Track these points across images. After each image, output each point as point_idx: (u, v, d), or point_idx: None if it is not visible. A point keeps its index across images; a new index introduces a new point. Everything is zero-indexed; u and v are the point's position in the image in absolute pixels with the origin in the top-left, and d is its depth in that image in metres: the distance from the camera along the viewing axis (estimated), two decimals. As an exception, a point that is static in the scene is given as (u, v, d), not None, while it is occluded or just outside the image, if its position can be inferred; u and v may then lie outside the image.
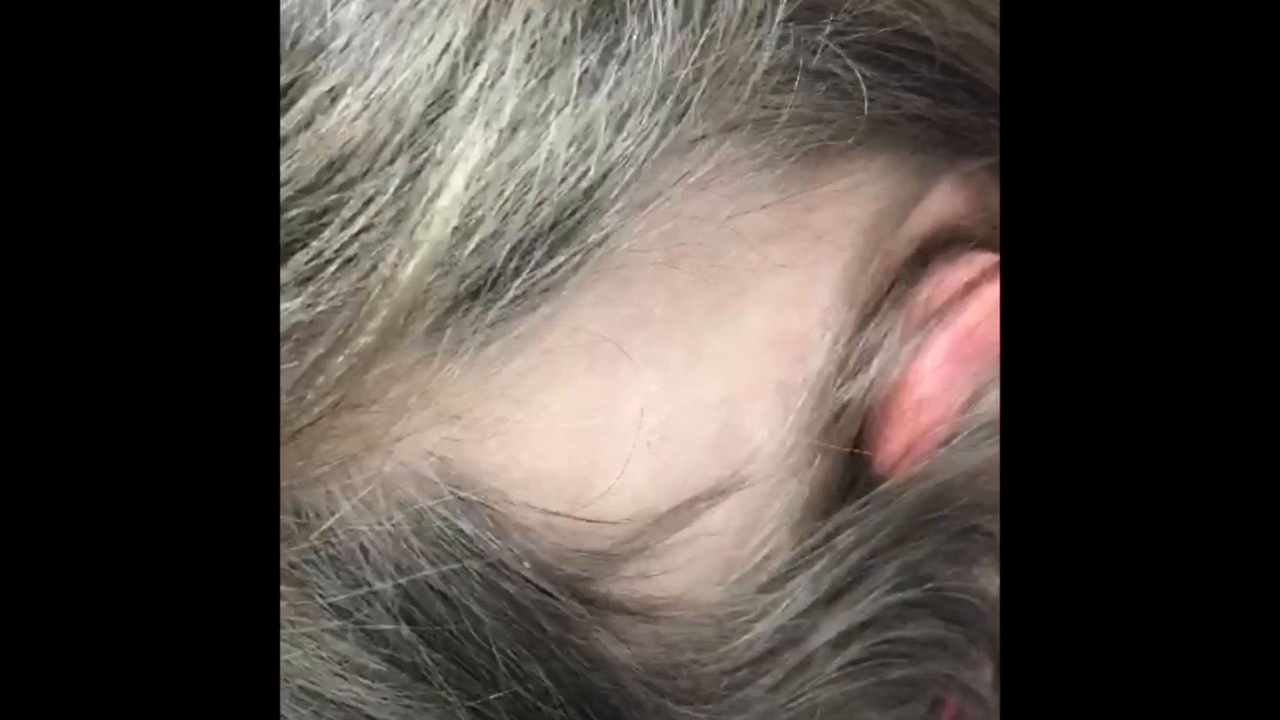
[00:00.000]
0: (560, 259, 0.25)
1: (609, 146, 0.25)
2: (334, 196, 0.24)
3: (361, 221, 0.24)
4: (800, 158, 0.27)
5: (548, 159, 0.24)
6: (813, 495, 0.28)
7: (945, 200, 0.29)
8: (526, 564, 0.26)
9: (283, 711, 0.25)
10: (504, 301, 0.24)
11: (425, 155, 0.24)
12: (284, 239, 0.23)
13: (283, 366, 0.24)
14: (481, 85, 0.24)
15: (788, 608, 0.28)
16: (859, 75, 0.27)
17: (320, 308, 0.24)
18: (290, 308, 0.24)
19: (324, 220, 0.24)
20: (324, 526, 0.25)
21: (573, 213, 0.25)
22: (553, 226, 0.25)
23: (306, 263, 0.24)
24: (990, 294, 0.28)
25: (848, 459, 0.28)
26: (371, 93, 0.24)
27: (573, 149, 0.25)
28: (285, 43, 0.24)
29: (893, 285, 0.29)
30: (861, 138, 0.28)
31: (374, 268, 0.24)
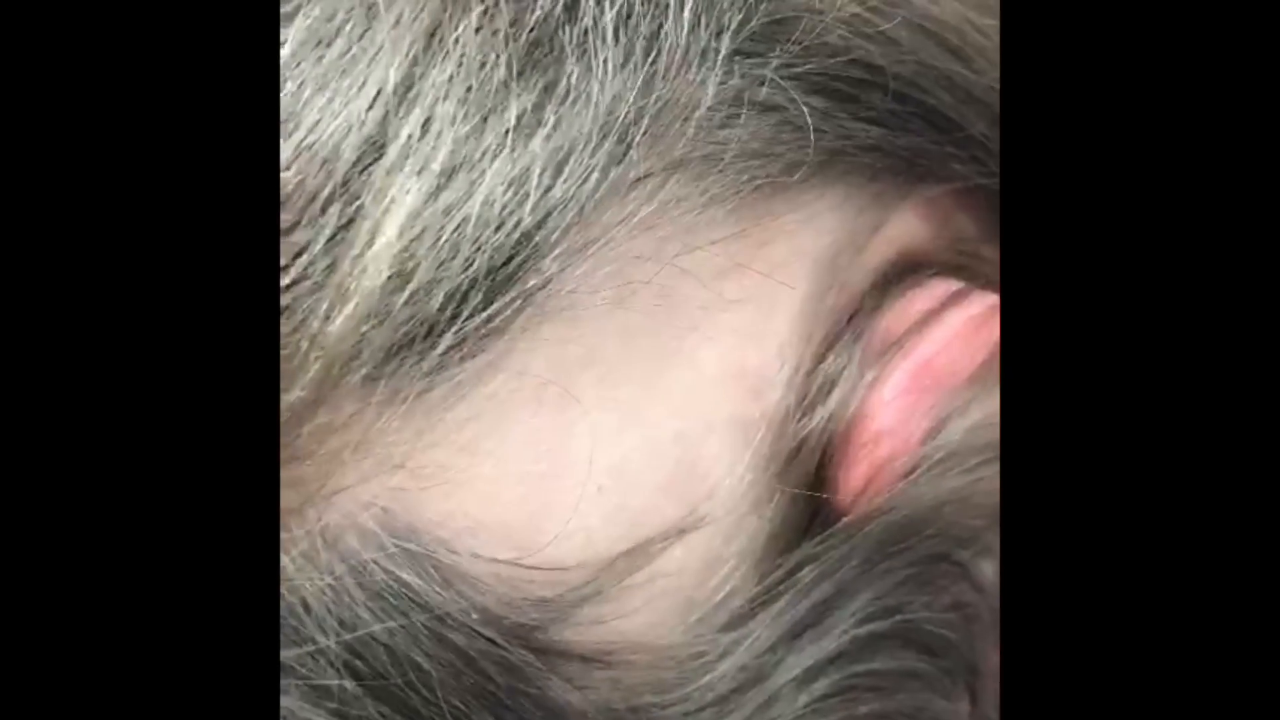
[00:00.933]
0: (499, 304, 0.24)
1: (548, 190, 0.24)
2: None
3: (293, 273, 0.23)
4: (750, 192, 0.26)
5: (484, 204, 0.24)
6: (774, 531, 0.28)
7: (904, 228, 0.29)
8: (474, 614, 0.25)
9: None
10: (440, 350, 0.24)
11: (357, 204, 0.24)
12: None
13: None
14: (411, 134, 0.24)
15: (750, 646, 0.28)
16: (807, 108, 0.26)
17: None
18: None
19: None
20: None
21: (510, 258, 0.24)
22: (489, 273, 0.24)
23: None
24: (951, 321, 0.28)
25: (808, 494, 0.28)
26: (301, 142, 0.23)
27: (510, 193, 0.24)
28: None
29: (852, 316, 0.28)
30: (814, 170, 0.27)
31: (304, 320, 0.23)
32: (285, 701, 0.25)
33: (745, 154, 0.26)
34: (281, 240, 0.23)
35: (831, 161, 0.27)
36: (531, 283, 0.24)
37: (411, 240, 0.24)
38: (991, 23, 0.29)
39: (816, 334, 0.28)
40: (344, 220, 0.23)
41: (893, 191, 0.28)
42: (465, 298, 0.24)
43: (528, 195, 0.24)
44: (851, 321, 0.28)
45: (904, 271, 0.29)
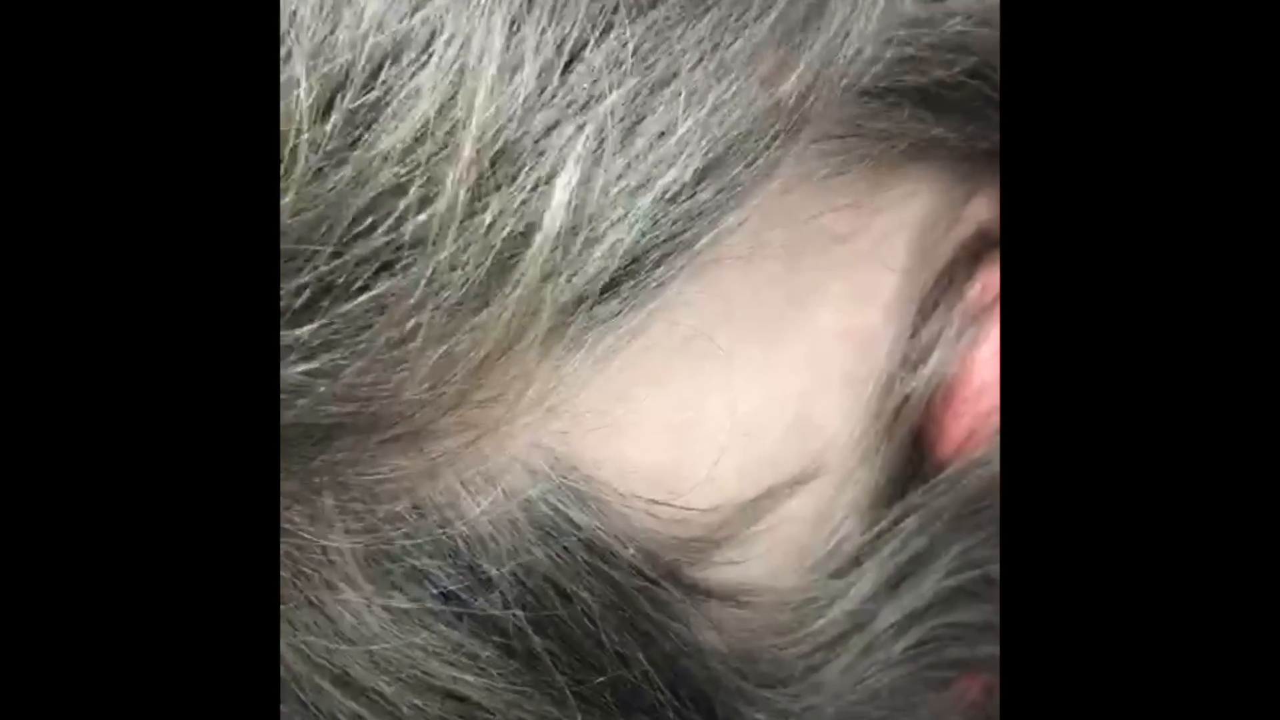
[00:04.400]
0: (669, 264, 0.26)
1: (725, 162, 0.26)
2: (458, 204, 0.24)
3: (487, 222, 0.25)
4: (867, 167, 0.29)
5: (657, 166, 0.25)
6: (880, 483, 0.30)
7: (984, 208, 0.31)
8: (631, 550, 0.26)
9: (397, 702, 0.26)
10: (618, 302, 0.25)
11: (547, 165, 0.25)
12: (411, 240, 0.24)
13: (402, 368, 0.25)
14: (590, 98, 0.25)
15: (856, 593, 0.29)
16: (916, 95, 0.28)
17: (447, 303, 0.24)
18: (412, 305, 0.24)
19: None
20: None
21: (679, 222, 0.26)
22: (667, 235, 0.25)
23: (431, 269, 0.24)
24: None
25: (912, 446, 0.30)
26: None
27: (684, 157, 0.25)
28: (386, 62, 0.24)
29: (948, 282, 0.30)
30: (919, 151, 0.29)
31: (502, 269, 0.24)
32: (453, 636, 0.26)
33: (869, 133, 0.28)
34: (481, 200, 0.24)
35: (932, 144, 0.29)
36: (701, 243, 0.26)
37: (596, 203, 0.25)
38: None
39: (916, 298, 0.30)
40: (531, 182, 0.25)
41: (976, 174, 0.31)
42: (644, 255, 0.25)
43: (701, 161, 0.25)
44: (947, 287, 0.30)
45: (985, 247, 0.31)
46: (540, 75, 0.25)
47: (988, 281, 0.31)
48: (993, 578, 0.31)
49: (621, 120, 0.25)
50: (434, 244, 0.24)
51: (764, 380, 0.28)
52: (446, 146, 0.24)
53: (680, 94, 0.25)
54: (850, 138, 0.28)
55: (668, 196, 0.25)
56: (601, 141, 0.25)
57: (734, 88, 0.26)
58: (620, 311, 0.26)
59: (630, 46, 0.25)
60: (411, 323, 0.24)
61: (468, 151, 0.24)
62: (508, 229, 0.24)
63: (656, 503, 0.27)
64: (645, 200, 0.25)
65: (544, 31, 0.25)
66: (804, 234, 0.28)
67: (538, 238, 0.25)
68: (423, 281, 0.24)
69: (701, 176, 0.26)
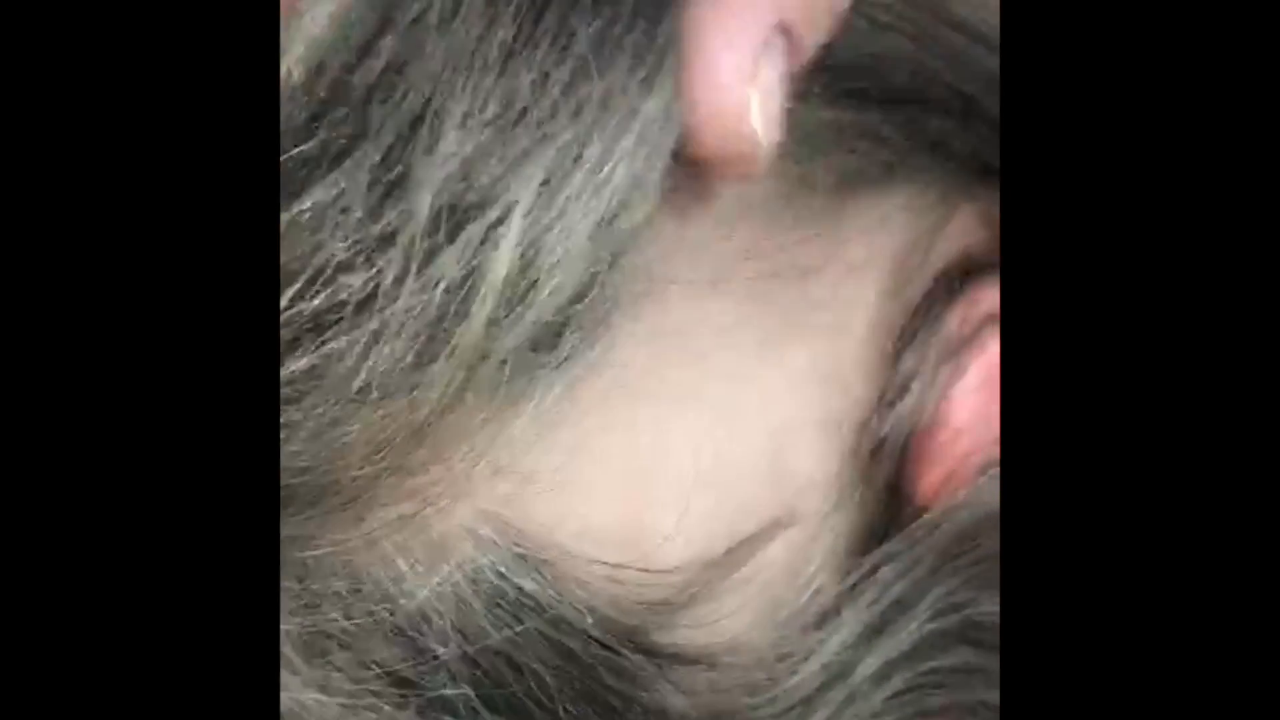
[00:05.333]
0: (607, 304, 0.24)
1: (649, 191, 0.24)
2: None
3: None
4: (832, 193, 0.27)
5: (589, 203, 0.24)
6: (856, 529, 0.28)
7: (966, 228, 0.29)
8: (590, 619, 0.25)
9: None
10: (564, 348, 0.24)
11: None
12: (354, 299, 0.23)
13: (343, 430, 0.23)
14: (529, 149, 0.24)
15: (834, 645, 0.28)
16: (877, 114, 0.27)
17: (381, 369, 0.23)
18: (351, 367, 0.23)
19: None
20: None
21: (615, 255, 0.24)
22: (596, 272, 0.24)
23: (370, 327, 0.23)
24: None
25: (889, 490, 0.28)
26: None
27: (609, 194, 0.24)
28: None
29: (925, 314, 0.28)
30: (885, 172, 0.28)
31: (438, 327, 0.23)
32: (401, 717, 0.25)
33: (827, 157, 0.27)
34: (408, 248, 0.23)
35: (901, 164, 0.28)
36: (633, 279, 0.24)
37: (528, 249, 0.24)
38: None
39: (893, 332, 0.28)
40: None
41: (954, 193, 0.29)
42: (577, 300, 0.24)
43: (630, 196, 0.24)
44: (924, 319, 0.28)
45: (967, 270, 0.29)
46: (484, 131, 0.23)
47: (967, 313, 0.29)
48: (974, 620, 0.29)
49: (564, 169, 0.24)
50: (379, 304, 0.23)
51: (732, 424, 0.27)
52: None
53: (620, 137, 0.24)
54: (816, 158, 0.27)
55: (610, 231, 0.24)
56: (544, 192, 0.24)
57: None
58: (566, 357, 0.24)
59: (573, 101, 0.23)
60: (354, 385, 0.23)
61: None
62: (448, 286, 0.23)
63: (617, 566, 0.25)
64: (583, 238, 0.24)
65: (488, 94, 0.23)
66: (771, 267, 0.26)
67: (479, 295, 0.23)
68: (363, 342, 0.23)
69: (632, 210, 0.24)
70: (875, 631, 0.28)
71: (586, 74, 0.24)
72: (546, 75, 0.24)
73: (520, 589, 0.24)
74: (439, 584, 0.24)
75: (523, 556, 0.25)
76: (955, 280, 0.29)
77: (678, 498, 0.26)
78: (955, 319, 0.29)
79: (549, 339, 0.24)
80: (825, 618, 0.28)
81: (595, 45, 0.24)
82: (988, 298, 0.29)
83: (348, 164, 0.23)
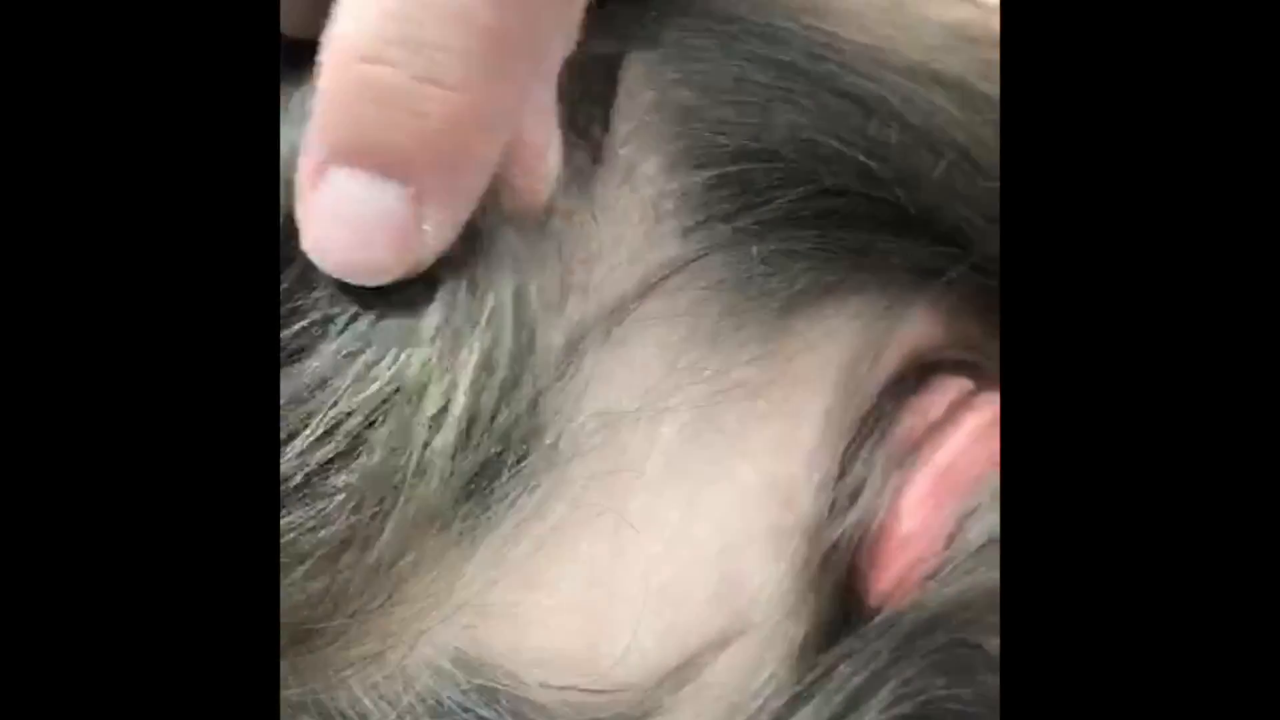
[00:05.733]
0: (553, 436, 0.25)
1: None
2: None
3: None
4: (779, 312, 0.28)
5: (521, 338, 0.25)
6: (809, 633, 0.29)
7: (914, 331, 0.30)
8: None
9: None
10: (510, 492, 0.25)
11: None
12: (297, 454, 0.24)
13: (296, 578, 0.24)
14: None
15: None
16: (815, 234, 0.28)
17: (330, 524, 0.24)
18: (295, 520, 0.24)
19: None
20: None
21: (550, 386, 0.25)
22: (534, 405, 0.25)
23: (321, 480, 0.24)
24: (965, 426, 0.29)
25: (841, 595, 0.29)
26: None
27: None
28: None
29: (875, 421, 0.29)
30: (831, 286, 0.28)
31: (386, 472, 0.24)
32: None
33: (770, 273, 0.28)
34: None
35: (846, 277, 0.29)
36: (574, 412, 0.25)
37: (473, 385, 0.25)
38: (985, 119, 0.30)
39: (841, 442, 0.29)
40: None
41: (902, 299, 0.30)
42: (516, 432, 0.25)
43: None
44: (873, 428, 0.29)
45: (918, 373, 0.30)
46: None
47: (920, 412, 0.30)
48: (933, 701, 0.30)
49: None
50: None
51: (682, 544, 0.28)
52: None
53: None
54: (761, 284, 0.27)
55: (556, 367, 0.25)
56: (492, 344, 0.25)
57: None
58: (517, 497, 0.25)
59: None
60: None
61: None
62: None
63: (565, 689, 0.26)
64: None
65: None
66: (716, 390, 0.27)
67: (428, 454, 0.24)
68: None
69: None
70: None
71: None
72: None
73: (480, 718, 0.26)
74: (402, 718, 0.25)
75: (481, 687, 0.26)
76: (906, 387, 0.30)
77: (629, 620, 0.27)
78: (904, 425, 0.29)
79: (501, 480, 0.25)
80: (783, 717, 0.29)
81: None
82: (936, 402, 0.30)
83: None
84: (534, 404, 0.25)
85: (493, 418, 0.25)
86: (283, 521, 0.24)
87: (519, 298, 0.25)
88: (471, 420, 0.25)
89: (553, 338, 0.25)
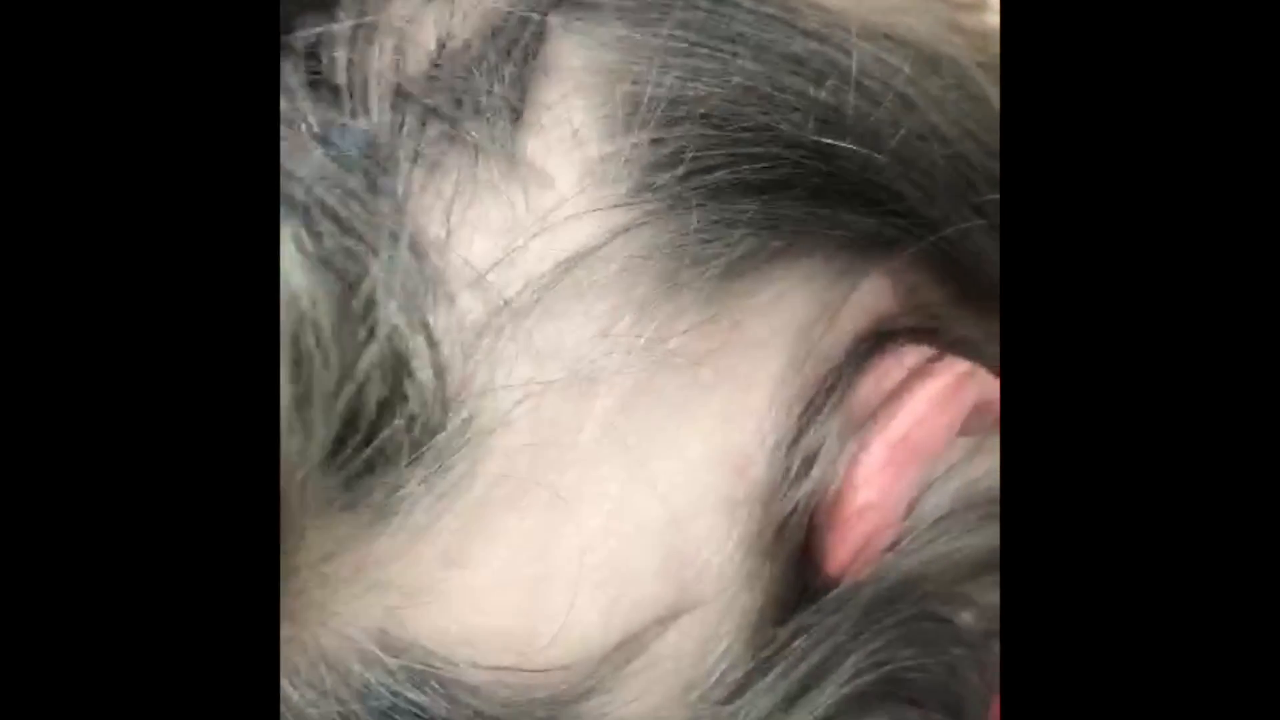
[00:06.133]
0: (465, 411, 0.25)
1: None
2: None
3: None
4: (719, 278, 0.27)
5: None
6: (765, 605, 0.28)
7: (873, 296, 0.29)
8: None
9: None
10: (414, 461, 0.24)
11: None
12: None
13: None
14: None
15: (749, 716, 0.28)
16: (764, 199, 0.27)
17: None
18: None
19: None
20: None
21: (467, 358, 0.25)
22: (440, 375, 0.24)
23: None
24: (924, 393, 0.28)
25: (797, 565, 0.28)
26: None
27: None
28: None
29: (831, 387, 0.28)
30: (780, 249, 0.27)
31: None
32: None
33: (709, 239, 0.27)
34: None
35: (797, 240, 0.28)
36: (497, 385, 0.25)
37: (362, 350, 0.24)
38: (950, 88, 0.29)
39: (795, 408, 0.28)
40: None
41: (859, 262, 0.29)
42: (425, 406, 0.24)
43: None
44: (829, 393, 0.28)
45: (876, 339, 0.29)
46: None
47: (878, 379, 0.29)
48: (896, 676, 0.30)
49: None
50: None
51: (625, 516, 0.27)
52: None
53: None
54: (699, 250, 0.27)
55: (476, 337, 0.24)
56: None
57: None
58: (436, 469, 0.25)
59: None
60: None
61: None
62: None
63: (497, 669, 0.26)
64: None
65: None
66: (653, 359, 0.27)
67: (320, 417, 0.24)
68: None
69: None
70: (791, 700, 0.29)
71: None
72: None
73: (412, 702, 0.25)
74: (328, 704, 0.25)
75: (408, 669, 0.25)
76: (863, 352, 0.29)
77: (563, 599, 0.26)
78: (862, 391, 0.29)
79: (409, 458, 0.24)
80: (739, 691, 0.28)
81: None
82: (895, 368, 0.29)
83: None
84: (440, 375, 0.24)
85: (393, 393, 0.24)
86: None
87: (427, 261, 0.24)
88: (363, 396, 0.24)
89: (472, 306, 0.25)
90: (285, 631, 0.24)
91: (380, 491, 0.24)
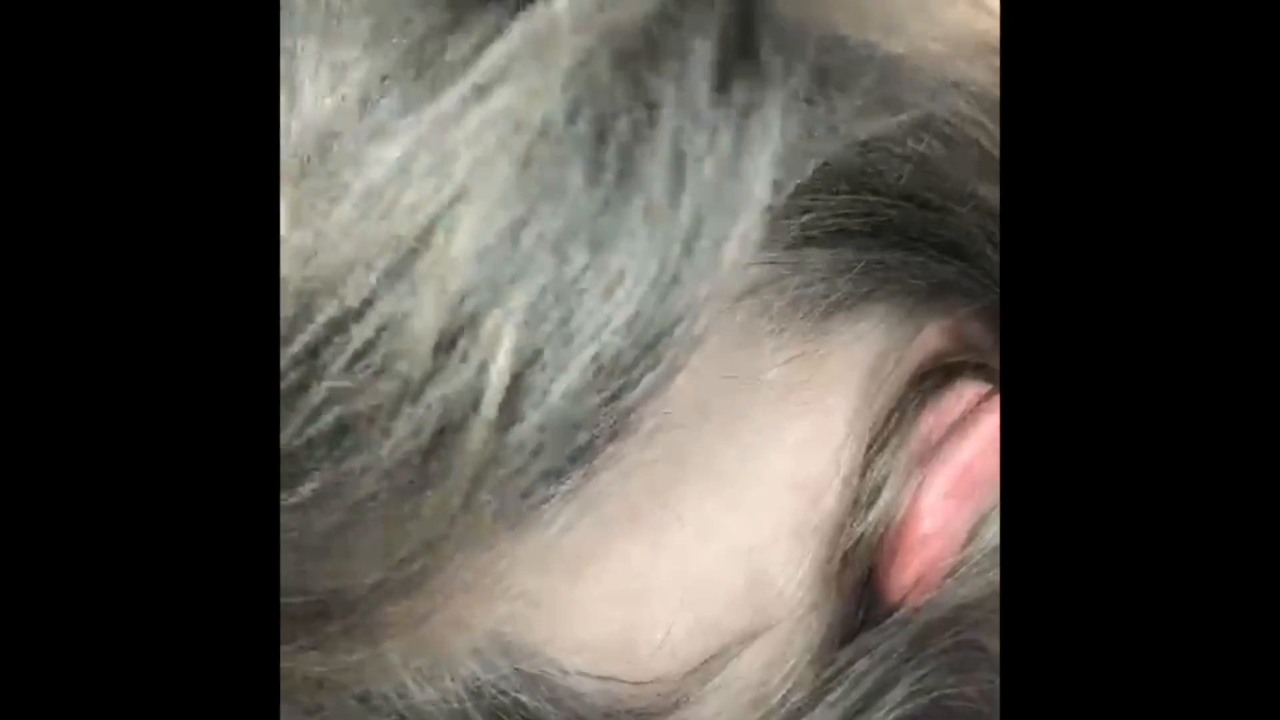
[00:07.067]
0: (613, 436, 0.25)
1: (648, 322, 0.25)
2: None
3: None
4: (819, 317, 0.28)
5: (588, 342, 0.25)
6: (830, 628, 0.30)
7: (935, 339, 0.31)
8: None
9: None
10: (576, 477, 0.25)
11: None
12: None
13: (351, 555, 0.24)
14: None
15: None
16: (853, 246, 0.28)
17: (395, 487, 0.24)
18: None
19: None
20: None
21: (619, 389, 0.25)
22: (603, 404, 0.25)
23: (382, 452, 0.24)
24: (983, 428, 0.30)
25: (861, 591, 0.30)
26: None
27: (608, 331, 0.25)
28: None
29: (897, 421, 0.30)
30: (863, 294, 0.29)
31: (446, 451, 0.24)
32: None
33: (806, 284, 0.28)
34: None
35: (877, 286, 0.29)
36: (648, 409, 0.25)
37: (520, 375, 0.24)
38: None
39: (865, 439, 0.30)
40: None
41: (926, 309, 0.30)
42: (588, 429, 0.25)
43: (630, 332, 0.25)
44: (895, 427, 0.30)
45: (937, 375, 0.31)
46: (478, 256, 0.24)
47: (939, 414, 0.30)
48: (944, 703, 0.31)
49: (554, 297, 0.24)
50: (383, 427, 0.24)
51: (716, 539, 0.28)
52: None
53: (612, 268, 0.25)
54: (791, 289, 0.28)
55: (603, 366, 0.25)
56: (536, 320, 0.24)
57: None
58: (574, 488, 0.25)
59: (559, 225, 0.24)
60: (359, 507, 0.24)
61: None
62: (448, 411, 0.24)
63: (603, 679, 0.27)
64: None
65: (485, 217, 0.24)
66: (752, 389, 0.28)
67: (476, 420, 0.24)
68: (371, 466, 0.24)
69: (639, 344, 0.25)
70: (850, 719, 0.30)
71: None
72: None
73: (521, 704, 0.26)
74: (443, 699, 0.26)
75: (522, 673, 0.26)
76: (927, 388, 0.31)
77: (663, 615, 0.27)
78: (925, 424, 0.30)
79: (556, 469, 0.25)
80: (801, 712, 0.30)
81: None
82: (955, 402, 0.31)
83: None
84: (616, 400, 0.25)
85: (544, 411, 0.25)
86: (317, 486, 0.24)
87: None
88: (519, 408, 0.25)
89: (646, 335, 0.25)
90: (412, 625, 0.25)
91: (527, 504, 0.25)
